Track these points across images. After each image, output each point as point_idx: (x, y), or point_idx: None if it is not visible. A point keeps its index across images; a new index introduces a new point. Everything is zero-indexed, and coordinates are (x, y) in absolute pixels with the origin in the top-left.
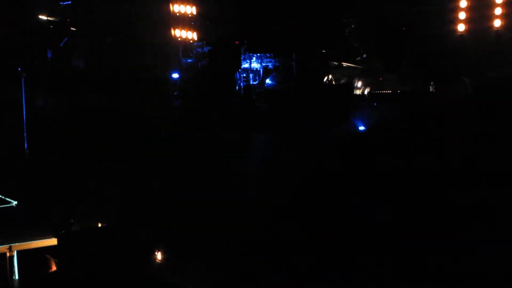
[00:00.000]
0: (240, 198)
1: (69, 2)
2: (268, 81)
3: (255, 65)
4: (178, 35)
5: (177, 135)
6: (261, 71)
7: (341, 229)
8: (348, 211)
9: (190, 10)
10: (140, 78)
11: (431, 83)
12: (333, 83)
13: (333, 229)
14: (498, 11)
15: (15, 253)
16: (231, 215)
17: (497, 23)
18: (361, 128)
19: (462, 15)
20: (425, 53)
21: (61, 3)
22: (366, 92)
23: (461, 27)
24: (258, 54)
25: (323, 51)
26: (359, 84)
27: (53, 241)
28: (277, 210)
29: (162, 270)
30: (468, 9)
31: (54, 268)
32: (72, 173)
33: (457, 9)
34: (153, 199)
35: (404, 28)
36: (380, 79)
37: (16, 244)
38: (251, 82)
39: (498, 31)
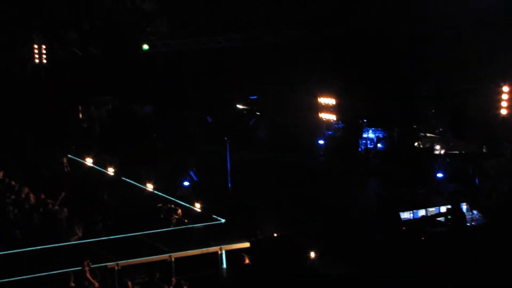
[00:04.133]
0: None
1: (255, 97)
2: (379, 145)
3: (371, 135)
4: (323, 117)
5: (324, 180)
6: (375, 139)
7: None
8: None
9: (331, 101)
10: (298, 144)
11: (484, 146)
12: (421, 146)
13: None
14: None
15: (223, 252)
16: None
17: None
18: (440, 175)
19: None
20: (479, 124)
21: (251, 97)
22: (442, 152)
23: (503, 111)
24: (373, 128)
25: (414, 126)
26: (437, 147)
27: (246, 245)
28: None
29: (315, 264)
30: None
31: (247, 261)
32: (258, 203)
33: (500, 93)
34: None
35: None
36: (451, 143)
37: (224, 246)
38: (368, 146)
39: None
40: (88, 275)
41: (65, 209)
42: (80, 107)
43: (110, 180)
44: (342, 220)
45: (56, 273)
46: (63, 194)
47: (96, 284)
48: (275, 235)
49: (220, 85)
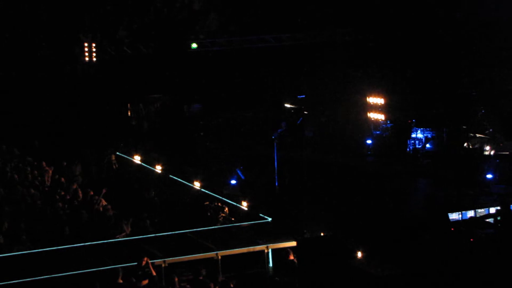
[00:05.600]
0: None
1: (303, 96)
2: (428, 145)
3: (419, 135)
4: (371, 116)
5: (371, 180)
6: (423, 139)
7: None
8: None
9: (379, 100)
10: (345, 143)
11: None
12: (470, 147)
13: None
14: None
15: (270, 250)
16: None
17: None
18: (489, 176)
19: None
20: None
21: (298, 96)
22: (491, 153)
23: None
24: (422, 128)
25: (464, 126)
26: (487, 148)
27: (293, 243)
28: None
29: (363, 264)
30: None
31: (291, 257)
32: (306, 202)
33: None
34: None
35: None
36: (501, 144)
37: (271, 244)
38: (417, 146)
39: None
40: (150, 266)
41: (106, 205)
42: (129, 105)
43: (157, 177)
44: (390, 220)
45: (104, 269)
46: (104, 190)
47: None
48: (322, 234)
49: (268, 84)
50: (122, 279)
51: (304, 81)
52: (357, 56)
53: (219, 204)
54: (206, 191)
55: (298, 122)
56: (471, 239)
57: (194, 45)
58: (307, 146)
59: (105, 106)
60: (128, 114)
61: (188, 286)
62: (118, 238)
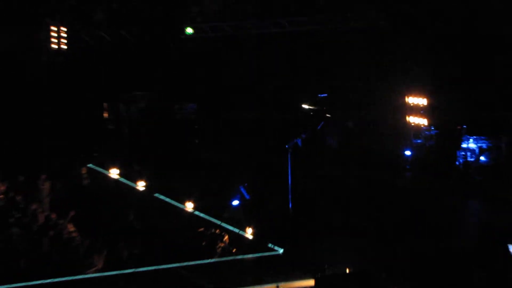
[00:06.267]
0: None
1: (325, 95)
2: (482, 158)
3: (472, 145)
4: (411, 121)
5: (411, 201)
6: (477, 150)
7: None
8: None
9: (422, 101)
10: (377, 155)
11: None
12: None
13: None
14: None
15: None
16: None
17: None
18: None
19: None
20: None
21: (319, 95)
22: None
23: None
24: (475, 137)
25: None
26: None
27: (310, 282)
28: None
29: None
30: None
31: None
32: (327, 228)
33: None
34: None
35: None
36: None
37: (282, 283)
38: (468, 159)
39: None
40: None
41: (73, 231)
42: (105, 105)
43: (140, 196)
44: (434, 253)
45: None
46: (71, 213)
47: None
48: (347, 270)
49: (281, 79)
50: None
51: (327, 76)
52: (394, 46)
53: (217, 231)
54: (201, 214)
55: (319, 128)
56: None
57: (189, 30)
58: (329, 158)
59: (76, 106)
60: (104, 116)
61: None
62: (88, 274)
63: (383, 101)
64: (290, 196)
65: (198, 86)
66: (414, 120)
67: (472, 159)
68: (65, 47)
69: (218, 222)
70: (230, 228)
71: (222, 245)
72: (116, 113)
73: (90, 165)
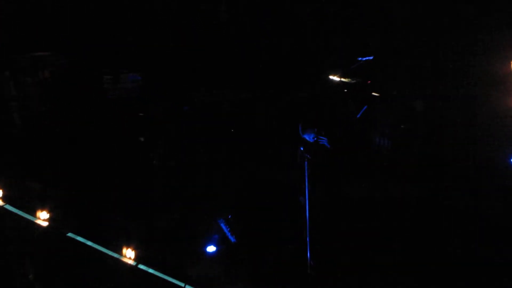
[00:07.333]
0: None
1: (370, 58)
2: None
3: None
4: None
5: None
6: None
7: None
8: None
9: None
10: (461, 160)
11: None
12: None
13: None
14: None
15: None
16: None
17: None
18: None
19: None
20: None
21: (359, 58)
22: None
23: None
24: None
25: None
26: None
27: None
28: None
29: None
30: None
31: None
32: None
33: None
34: None
35: None
36: None
37: None
38: None
39: None
40: None
41: None
42: None
43: (41, 237)
44: None
45: None
46: None
47: None
48: None
49: (300, 35)
50: None
51: (374, 29)
52: None
53: None
54: (150, 270)
55: (358, 116)
56: None
57: None
58: (380, 169)
59: None
60: None
61: None
62: None
63: (472, 72)
64: (308, 239)
65: (148, 41)
66: None
67: None
68: None
69: (181, 285)
70: None
71: None
72: None
73: None
